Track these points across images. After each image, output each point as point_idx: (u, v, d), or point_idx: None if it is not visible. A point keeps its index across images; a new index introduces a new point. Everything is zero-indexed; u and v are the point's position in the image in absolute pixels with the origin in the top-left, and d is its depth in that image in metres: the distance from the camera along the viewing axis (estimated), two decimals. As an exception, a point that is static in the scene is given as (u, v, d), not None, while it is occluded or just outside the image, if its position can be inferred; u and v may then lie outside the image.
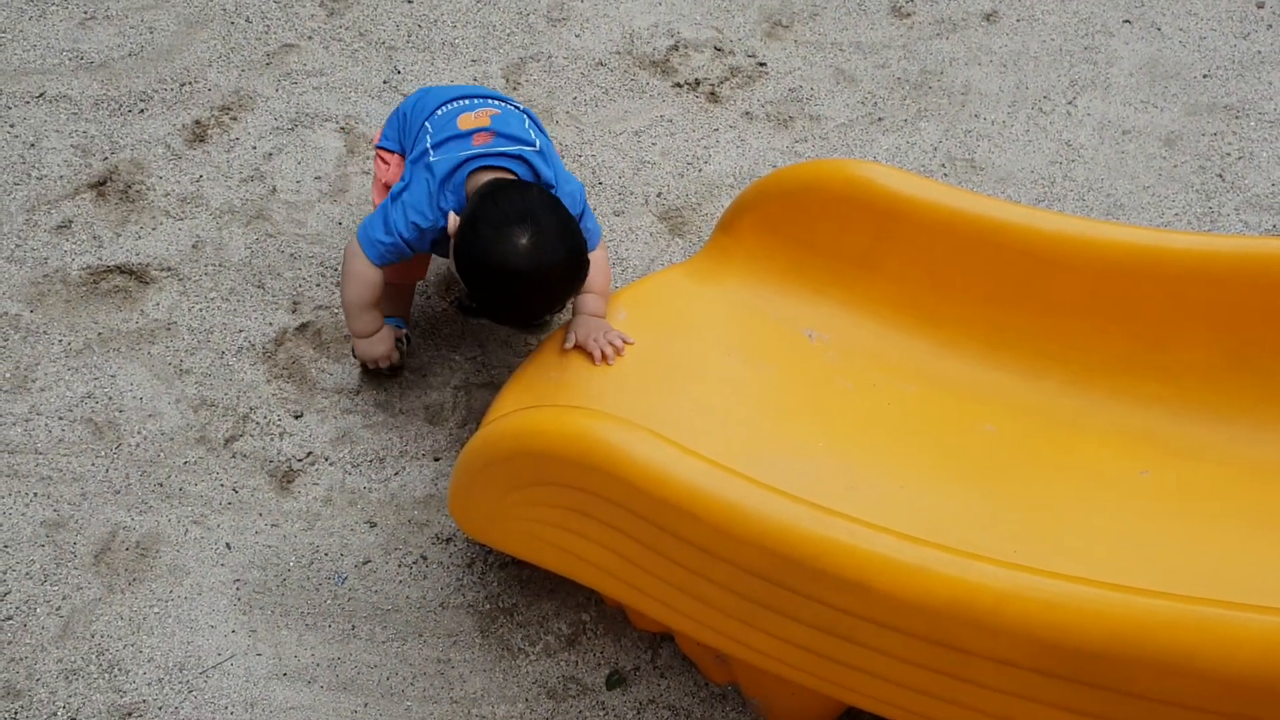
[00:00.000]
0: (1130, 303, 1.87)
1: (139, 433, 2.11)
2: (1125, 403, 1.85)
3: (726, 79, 3.04)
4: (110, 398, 2.16)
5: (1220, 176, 2.90)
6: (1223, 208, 2.81)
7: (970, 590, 1.28)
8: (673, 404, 1.94)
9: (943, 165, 2.86)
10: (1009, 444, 1.85)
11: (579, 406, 1.57)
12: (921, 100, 3.04)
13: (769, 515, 1.38)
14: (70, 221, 2.46)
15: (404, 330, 2.23)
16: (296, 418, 2.17)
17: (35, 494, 2.01)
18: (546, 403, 1.88)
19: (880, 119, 2.97)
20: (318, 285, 2.40)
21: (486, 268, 1.84)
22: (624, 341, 2.00)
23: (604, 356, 1.97)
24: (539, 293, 1.88)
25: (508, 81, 2.94)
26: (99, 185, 2.54)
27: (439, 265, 2.42)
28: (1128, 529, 1.69)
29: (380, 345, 2.14)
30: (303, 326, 2.32)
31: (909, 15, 3.34)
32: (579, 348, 1.98)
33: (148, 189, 2.55)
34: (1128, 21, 3.37)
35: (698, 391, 1.96)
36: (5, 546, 1.94)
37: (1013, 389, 1.92)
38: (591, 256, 2.02)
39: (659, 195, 2.70)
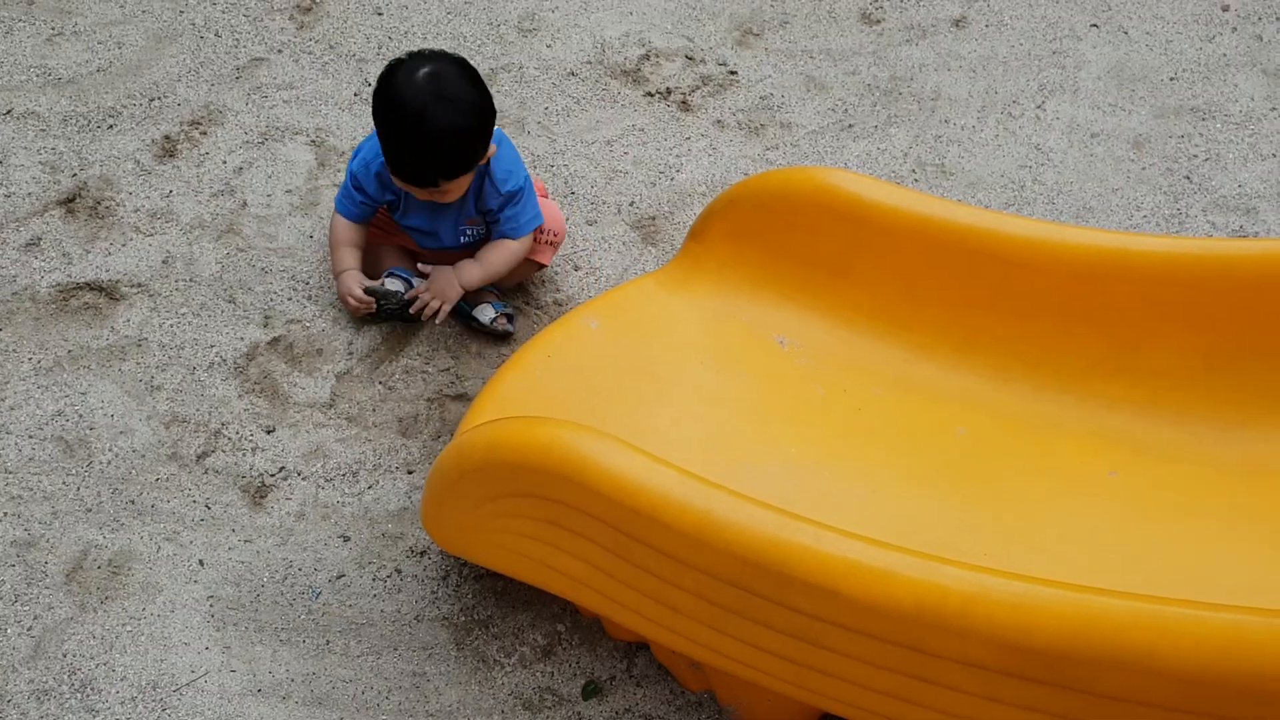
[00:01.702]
0: (1100, 305, 1.89)
1: (110, 450, 2.10)
2: (1096, 404, 1.87)
3: (698, 87, 3.06)
4: (81, 415, 2.15)
5: (1188, 178, 2.93)
6: (1190, 209, 2.84)
7: (935, 593, 1.29)
8: (646, 412, 1.95)
9: (913, 171, 2.88)
10: (980, 447, 1.87)
11: (549, 417, 1.58)
12: (892, 106, 3.06)
13: (737, 522, 1.39)
14: (39, 239, 2.45)
15: (401, 283, 2.30)
16: (269, 433, 2.17)
17: (5, 513, 2.00)
18: (519, 414, 1.88)
19: (851, 125, 2.99)
20: (289, 299, 2.40)
21: (385, 97, 2.04)
22: (443, 315, 2.28)
23: (427, 311, 2.26)
24: (429, 131, 2.00)
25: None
26: (68, 202, 2.54)
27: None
28: (1098, 530, 1.70)
29: (340, 286, 2.30)
30: (274, 341, 2.32)
31: (879, 22, 3.36)
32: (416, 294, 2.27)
33: (117, 205, 2.54)
34: (1095, 26, 3.40)
35: (672, 399, 1.97)
36: (-25, 567, 1.93)
37: (984, 392, 1.94)
38: (508, 245, 2.28)
39: (631, 205, 2.71)
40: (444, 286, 2.28)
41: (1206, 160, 2.98)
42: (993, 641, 1.27)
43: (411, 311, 2.30)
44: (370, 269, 2.41)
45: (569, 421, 1.56)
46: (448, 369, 2.32)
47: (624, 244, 2.62)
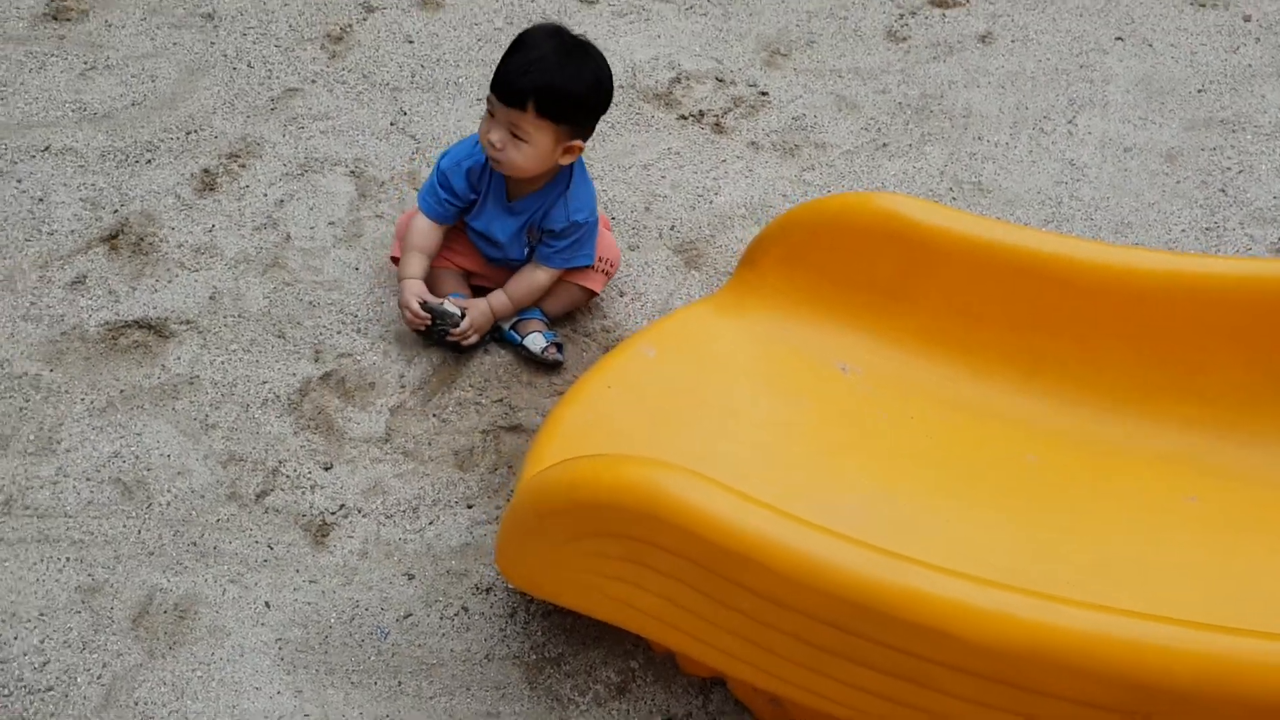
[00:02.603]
0: (1165, 327, 1.86)
1: (169, 491, 2.07)
2: (1166, 427, 1.84)
3: (730, 109, 3.04)
4: (137, 456, 2.11)
5: (1222, 191, 2.92)
6: (1227, 222, 2.82)
7: (1052, 634, 1.26)
8: (713, 442, 1.92)
9: (950, 189, 2.86)
10: (1052, 473, 1.84)
11: (633, 455, 1.55)
12: (924, 124, 3.04)
13: (841, 564, 1.36)
14: (84, 277, 2.41)
15: (459, 306, 2.28)
16: (326, 469, 2.13)
17: (68, 559, 1.96)
18: (587, 448, 1.85)
19: (885, 144, 2.97)
20: (338, 333, 2.37)
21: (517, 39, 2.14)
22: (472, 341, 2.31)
23: (463, 341, 2.28)
24: (554, 42, 2.09)
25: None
26: (111, 238, 2.50)
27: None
28: (1184, 558, 1.68)
29: (402, 293, 2.28)
30: (326, 376, 2.29)
31: (905, 39, 3.34)
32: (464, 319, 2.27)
33: (160, 240, 2.51)
34: (1120, 39, 3.39)
35: (737, 428, 1.95)
36: (41, 615, 1.89)
37: (1050, 416, 1.91)
38: (536, 275, 2.31)
39: (672, 228, 2.69)
40: (482, 321, 2.31)
41: (1240, 172, 2.97)
42: (1112, 681, 1.24)
43: (448, 339, 2.27)
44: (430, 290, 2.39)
45: (656, 460, 1.53)
46: (500, 399, 2.28)
47: (667, 269, 2.59)
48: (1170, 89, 3.23)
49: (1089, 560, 1.71)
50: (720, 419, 1.97)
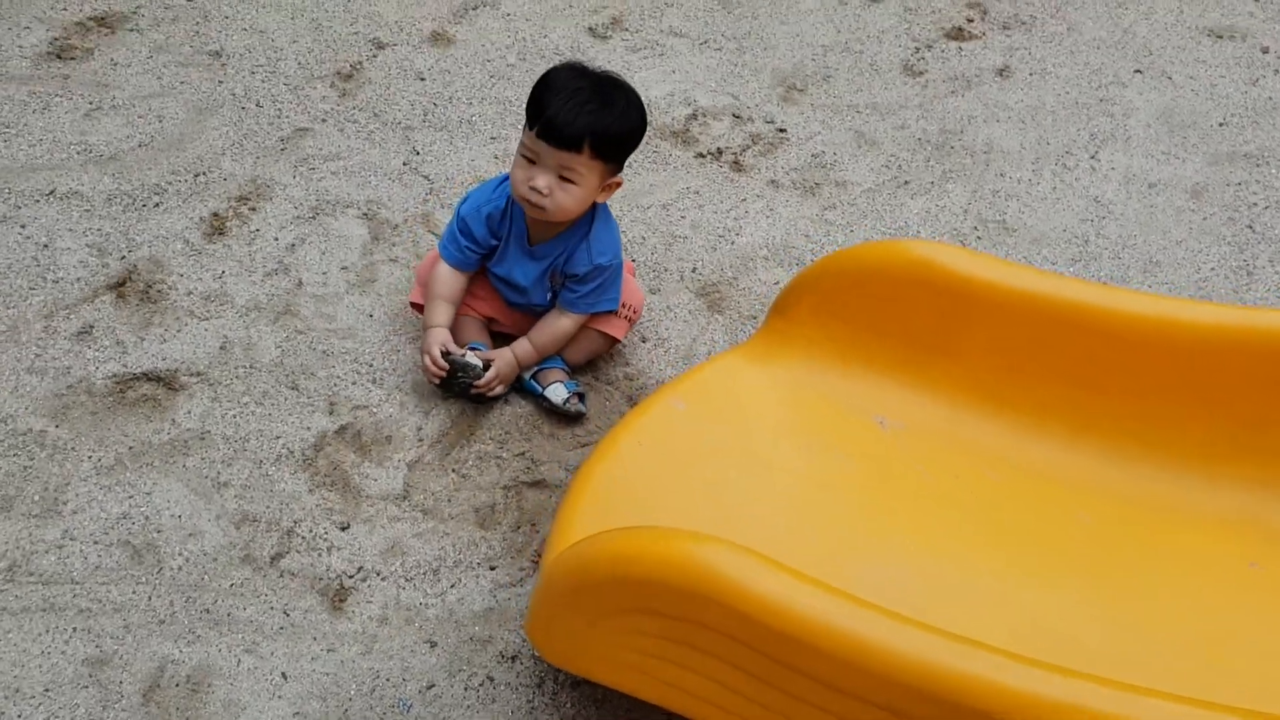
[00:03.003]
0: (1220, 382, 1.77)
1: (180, 554, 1.96)
2: (1223, 487, 1.75)
3: (748, 147, 2.95)
4: (147, 517, 2.01)
5: (1250, 227, 2.83)
6: (1257, 259, 2.74)
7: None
8: (749, 502, 1.82)
9: (975, 228, 2.77)
10: (1106, 535, 1.74)
11: (679, 529, 1.45)
12: (945, 161, 2.96)
13: (903, 650, 1.26)
14: (91, 327, 2.31)
15: (482, 358, 2.19)
16: (343, 529, 2.03)
17: (75, 629, 1.85)
18: (619, 511, 1.76)
19: (906, 182, 2.89)
20: (353, 384, 2.27)
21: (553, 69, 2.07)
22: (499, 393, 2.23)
23: (488, 392, 2.20)
24: (602, 79, 2.02)
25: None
26: (118, 286, 2.40)
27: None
28: (1244, 627, 1.58)
29: (426, 340, 2.20)
30: (342, 430, 2.18)
31: (922, 73, 3.26)
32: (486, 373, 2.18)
33: (169, 288, 2.41)
34: (1139, 71, 3.32)
35: (773, 486, 1.85)
36: (46, 690, 1.78)
37: (1101, 474, 1.82)
38: (561, 322, 2.22)
39: (694, 270, 2.59)
40: (507, 372, 2.23)
41: (1267, 208, 2.88)
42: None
43: (471, 392, 2.19)
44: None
45: (703, 534, 1.43)
46: (522, 453, 2.18)
47: (690, 312, 2.50)
48: (1191, 122, 3.15)
49: (1148, 631, 1.62)
50: (755, 477, 1.87)
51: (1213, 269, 2.71)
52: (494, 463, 2.17)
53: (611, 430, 1.95)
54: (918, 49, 3.35)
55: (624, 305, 2.28)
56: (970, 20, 3.47)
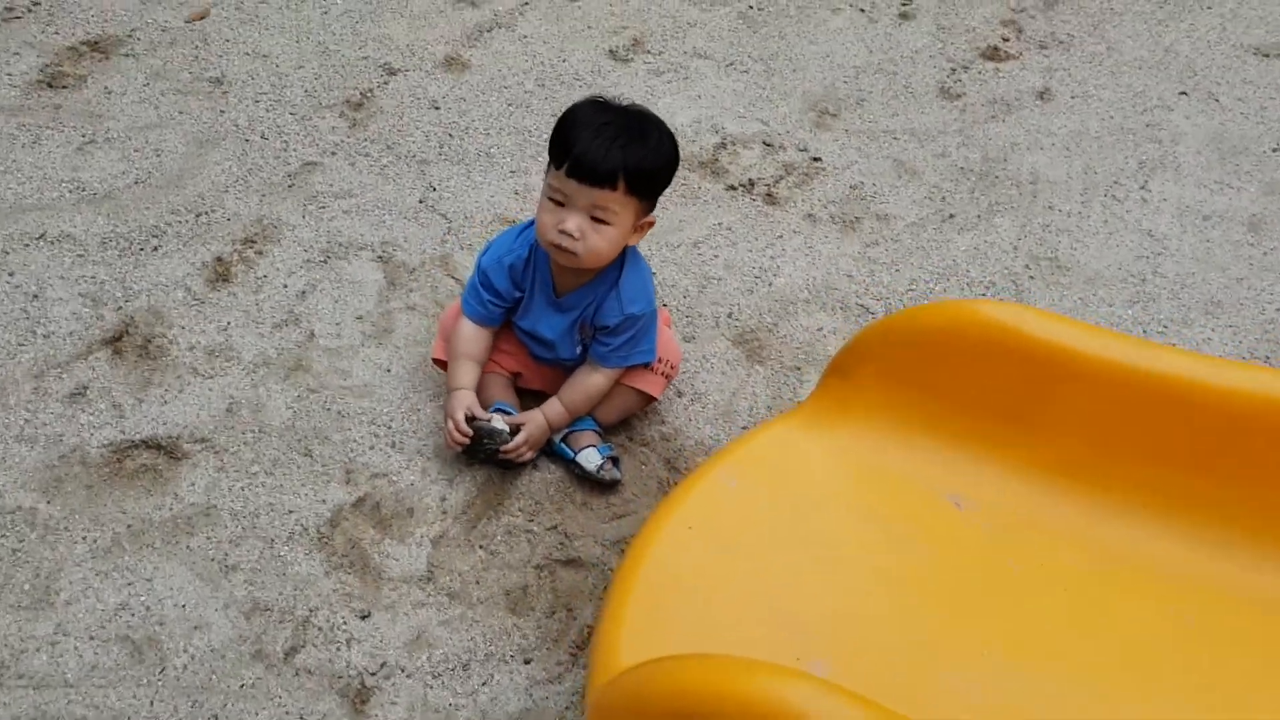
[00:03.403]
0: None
1: (185, 650, 1.76)
2: (1344, 584, 1.55)
3: (782, 177, 2.75)
4: (148, 607, 1.80)
5: (1314, 262, 2.64)
6: (1325, 299, 2.55)
7: None
8: (818, 598, 1.62)
9: (1027, 266, 2.57)
10: (1216, 638, 1.55)
11: (751, 661, 1.25)
12: (990, 192, 2.76)
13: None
14: (85, 388, 2.10)
15: (510, 422, 2.01)
16: (363, 618, 1.82)
17: (69, 741, 1.65)
18: (672, 615, 1.56)
19: (952, 215, 2.69)
20: (370, 448, 2.06)
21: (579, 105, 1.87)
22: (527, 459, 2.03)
23: (516, 459, 2.00)
24: (634, 111, 1.85)
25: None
26: (114, 341, 2.19)
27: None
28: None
29: (449, 403, 2.00)
30: (359, 501, 1.98)
31: (959, 96, 3.06)
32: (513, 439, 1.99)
33: (170, 342, 2.20)
34: (1184, 93, 3.12)
35: (842, 578, 1.65)
36: (37, 815, 1.58)
37: (1203, 567, 1.62)
38: (594, 378, 2.02)
39: (730, 315, 2.39)
40: (537, 436, 2.03)
41: (1330, 241, 2.69)
42: None
43: (499, 458, 1.98)
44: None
45: (779, 667, 1.23)
46: (554, 526, 1.98)
47: (728, 363, 2.30)
48: (1243, 148, 2.95)
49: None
50: (822, 567, 1.67)
51: (1278, 309, 2.51)
52: (524, 537, 1.96)
53: (656, 512, 1.75)
54: (953, 70, 3.14)
55: (660, 360, 2.08)
56: (1006, 40, 3.27)
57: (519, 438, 1.98)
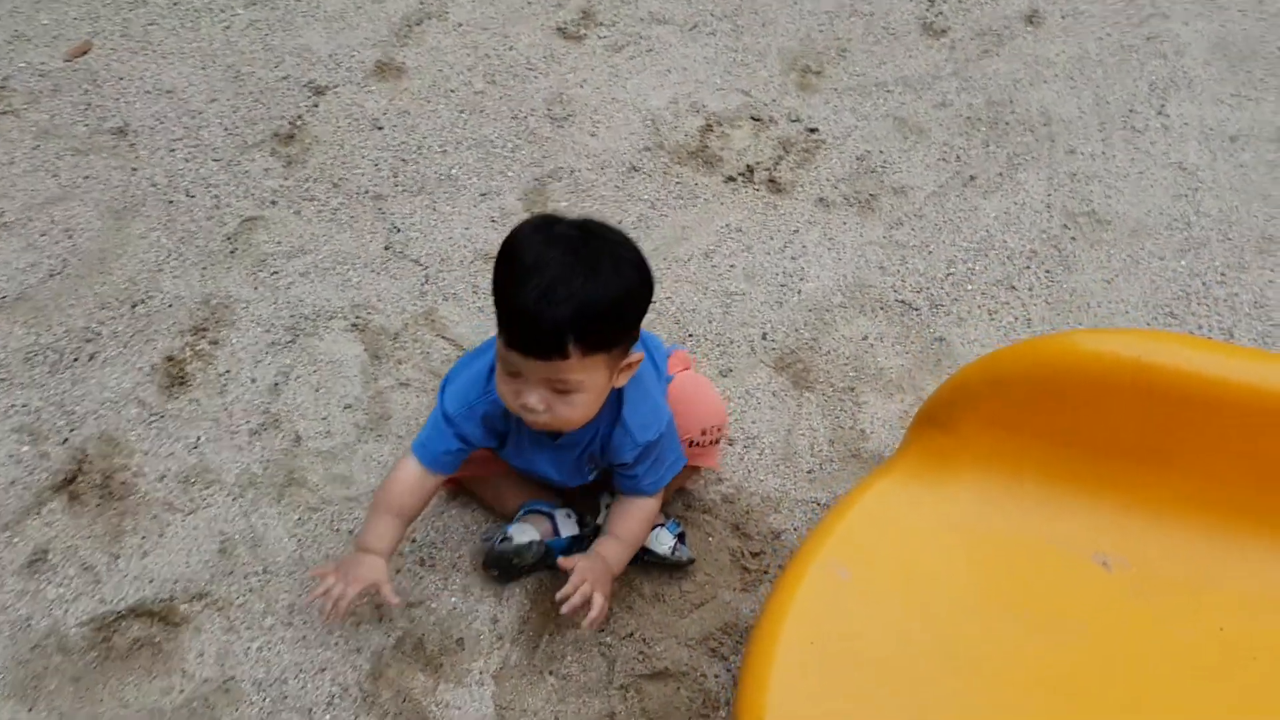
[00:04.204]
0: None
1: None
2: None
3: (781, 158, 2.44)
4: (181, 829, 1.50)
5: (1353, 175, 2.43)
6: (1373, 216, 2.34)
7: None
8: (972, 709, 1.38)
9: (1065, 226, 2.32)
10: None
11: None
12: (1004, 141, 2.49)
13: None
14: (44, 551, 1.75)
15: (543, 521, 1.70)
16: (438, 793, 1.54)
17: None
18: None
19: (972, 177, 2.41)
20: (398, 571, 1.75)
21: (513, 239, 1.42)
22: (604, 614, 1.59)
23: (590, 620, 1.57)
24: (573, 259, 1.36)
25: (532, 214, 2.28)
26: (67, 484, 1.83)
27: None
28: None
29: (357, 568, 1.56)
30: (400, 641, 1.68)
31: (944, 32, 2.77)
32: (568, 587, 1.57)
33: (134, 475, 1.84)
34: (1177, -4, 2.86)
35: (994, 678, 1.41)
36: None
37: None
38: (644, 505, 1.66)
39: (764, 337, 2.10)
40: (600, 576, 1.60)
41: (1362, 148, 2.48)
42: None
43: (565, 611, 1.57)
44: (493, 507, 1.81)
45: None
46: (630, 634, 1.71)
47: (774, 395, 2.02)
48: (1251, 51, 2.72)
49: None
50: (966, 668, 1.43)
51: (1332, 236, 2.31)
52: (597, 652, 1.69)
53: (764, 616, 1.48)
54: (932, 2, 2.84)
55: (704, 433, 1.76)
56: (979, -42, 2.96)
57: (584, 590, 1.55)
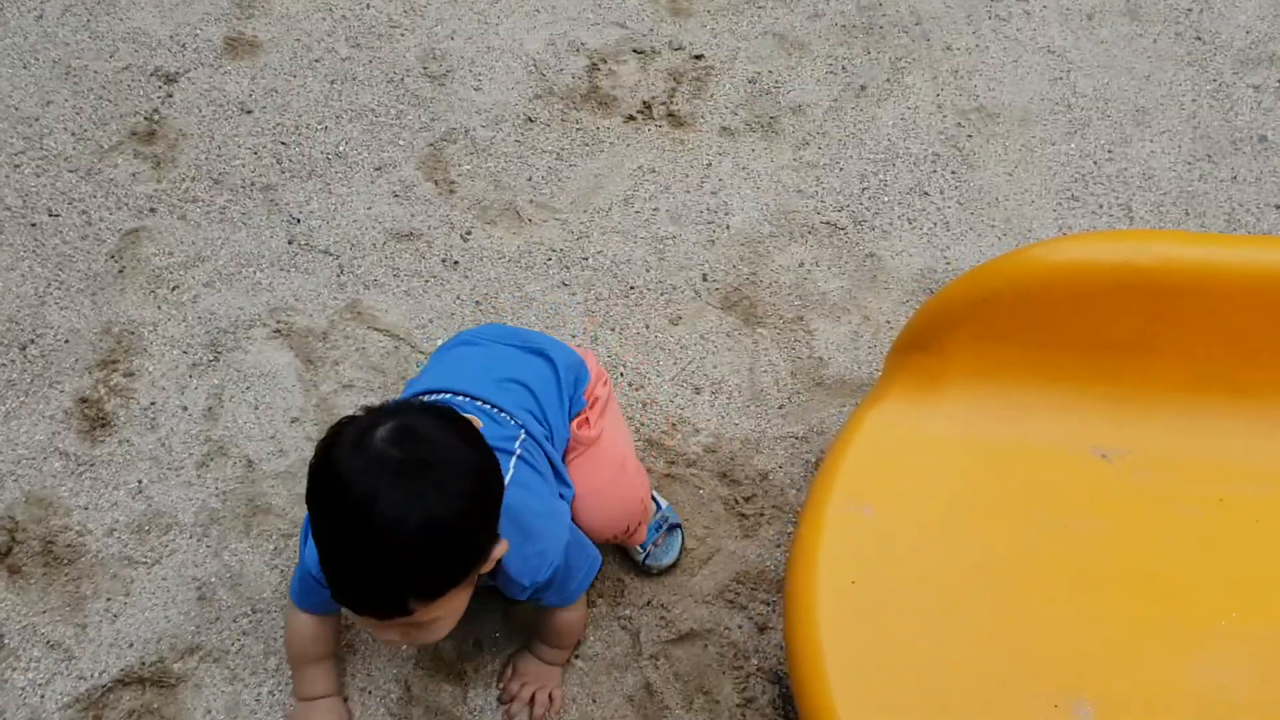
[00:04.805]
0: None
1: None
2: None
3: (674, 90, 2.39)
4: None
5: (1198, 39, 2.57)
6: (1222, 76, 2.49)
7: None
8: (1009, 614, 1.43)
9: (959, 124, 2.36)
10: None
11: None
12: (884, 46, 2.50)
13: None
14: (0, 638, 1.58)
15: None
16: (499, 802, 1.50)
17: None
18: (880, 683, 1.34)
19: (863, 87, 2.42)
20: (395, 583, 1.67)
21: (322, 479, 1.16)
22: (560, 704, 1.56)
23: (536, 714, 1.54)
24: (386, 522, 1.12)
25: (437, 185, 2.16)
26: (3, 558, 1.65)
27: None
28: None
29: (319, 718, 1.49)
30: (418, 658, 1.61)
31: (800, -61, 2.74)
32: (506, 691, 1.56)
33: (79, 534, 1.68)
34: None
35: (1025, 580, 1.46)
36: None
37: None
38: (566, 615, 1.52)
39: (704, 279, 2.08)
40: (539, 674, 1.57)
41: (1201, 11, 2.62)
42: None
43: (512, 716, 1.56)
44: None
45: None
46: (647, 602, 1.69)
47: (728, 336, 2.00)
48: (1085, -71, 2.81)
49: None
50: (1001, 572, 1.47)
51: (1193, 99, 2.44)
52: (618, 626, 1.66)
53: (797, 571, 1.48)
54: (781, -91, 2.80)
55: (626, 530, 1.60)
56: None
57: (517, 695, 1.55)
